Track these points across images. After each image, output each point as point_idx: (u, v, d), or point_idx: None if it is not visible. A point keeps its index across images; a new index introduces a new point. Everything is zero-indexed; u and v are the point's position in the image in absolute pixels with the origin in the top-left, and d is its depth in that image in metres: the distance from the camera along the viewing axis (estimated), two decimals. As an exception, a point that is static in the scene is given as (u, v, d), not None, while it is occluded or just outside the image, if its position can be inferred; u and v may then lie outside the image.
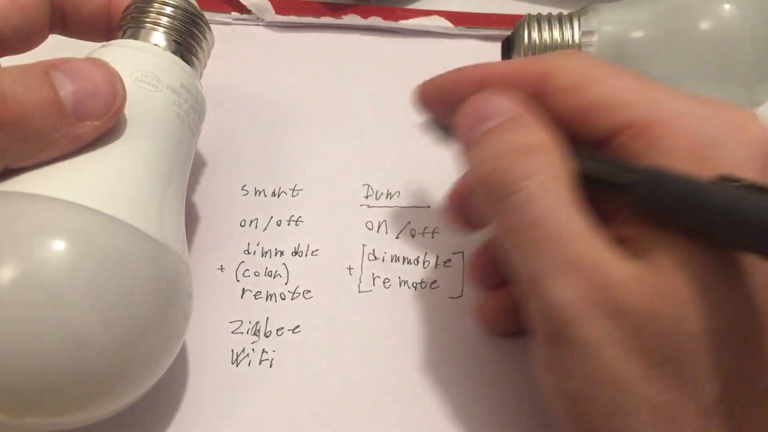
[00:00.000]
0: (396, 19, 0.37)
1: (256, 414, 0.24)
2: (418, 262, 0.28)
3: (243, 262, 0.28)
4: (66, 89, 0.20)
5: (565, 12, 0.33)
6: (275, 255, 0.28)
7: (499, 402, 0.24)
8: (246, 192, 0.30)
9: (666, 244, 0.17)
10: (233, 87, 0.34)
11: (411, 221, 0.29)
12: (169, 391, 0.24)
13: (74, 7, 0.26)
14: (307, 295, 0.27)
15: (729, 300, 0.16)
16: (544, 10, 0.34)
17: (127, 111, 0.21)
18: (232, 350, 0.26)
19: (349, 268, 0.28)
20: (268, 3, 0.37)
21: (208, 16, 0.35)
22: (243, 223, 0.29)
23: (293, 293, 0.27)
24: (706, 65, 0.31)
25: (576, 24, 0.32)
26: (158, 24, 0.25)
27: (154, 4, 0.25)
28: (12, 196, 0.19)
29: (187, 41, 0.25)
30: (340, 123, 0.33)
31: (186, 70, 0.25)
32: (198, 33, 0.26)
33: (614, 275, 0.17)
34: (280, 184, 0.31)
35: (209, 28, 0.26)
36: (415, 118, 0.25)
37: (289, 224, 0.29)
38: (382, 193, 0.30)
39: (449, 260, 0.28)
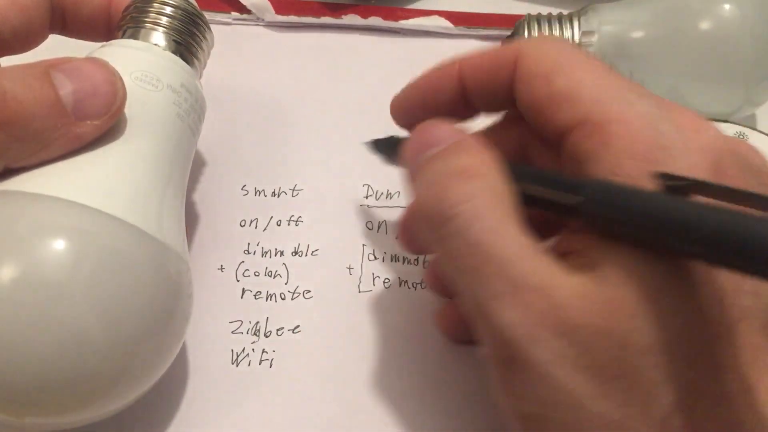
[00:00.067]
0: (396, 19, 0.37)
1: (256, 414, 0.24)
2: (418, 262, 0.28)
3: (243, 262, 0.28)
4: (66, 89, 0.20)
5: (565, 12, 0.33)
6: (275, 255, 0.28)
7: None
8: (246, 192, 0.30)
9: (613, 256, 0.17)
10: (233, 87, 0.34)
11: (411, 221, 0.29)
12: (169, 391, 0.24)
13: (74, 7, 0.26)
14: (307, 295, 0.27)
15: (679, 311, 0.16)
16: (544, 10, 0.34)
17: (127, 111, 0.21)
18: (232, 350, 0.26)
19: (349, 268, 0.28)
20: (268, 3, 0.37)
21: (208, 16, 0.35)
22: (243, 223, 0.29)
23: (293, 293, 0.27)
24: (706, 65, 0.31)
25: (576, 24, 0.32)
26: (158, 24, 0.25)
27: (154, 4, 0.25)
28: (12, 195, 0.19)
29: (187, 41, 0.25)
30: (340, 123, 0.33)
31: (186, 69, 0.25)
32: (198, 33, 0.26)
33: (560, 293, 0.16)
34: (280, 184, 0.31)
35: (209, 28, 0.26)
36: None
37: (289, 224, 0.29)
38: (382, 193, 0.30)
39: (449, 260, 0.28)
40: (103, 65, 0.21)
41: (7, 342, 0.18)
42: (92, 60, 0.21)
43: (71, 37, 0.27)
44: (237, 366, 0.25)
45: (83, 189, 0.20)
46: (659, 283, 0.16)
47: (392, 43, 0.37)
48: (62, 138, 0.20)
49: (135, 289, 0.19)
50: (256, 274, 0.28)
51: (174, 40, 0.25)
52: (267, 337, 0.26)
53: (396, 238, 0.28)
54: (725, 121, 0.31)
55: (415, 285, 0.27)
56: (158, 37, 0.25)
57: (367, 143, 0.26)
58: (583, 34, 0.32)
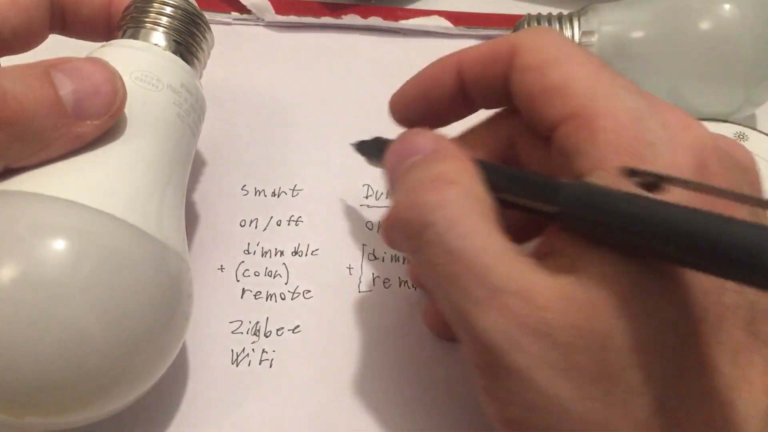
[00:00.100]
0: (396, 19, 0.37)
1: (256, 414, 0.24)
2: (418, 262, 0.28)
3: (243, 262, 0.28)
4: (66, 89, 0.20)
5: (565, 12, 0.33)
6: (275, 255, 0.28)
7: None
8: (246, 192, 0.30)
9: (594, 256, 0.17)
10: (233, 87, 0.34)
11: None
12: (169, 391, 0.24)
13: (74, 7, 0.26)
14: (307, 295, 0.27)
15: (657, 311, 0.16)
16: (544, 10, 0.34)
17: (127, 110, 0.21)
18: (232, 350, 0.26)
19: (349, 268, 0.28)
20: (268, 3, 0.37)
21: (208, 16, 0.35)
22: (243, 223, 0.29)
23: (293, 293, 0.27)
24: (706, 65, 0.31)
25: (576, 24, 0.32)
26: (158, 24, 0.25)
27: (154, 4, 0.25)
28: (12, 195, 0.19)
29: (187, 41, 0.25)
30: (340, 123, 0.33)
31: (186, 69, 0.25)
32: (198, 33, 0.26)
33: (540, 295, 0.16)
34: (280, 184, 0.31)
35: (209, 28, 0.26)
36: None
37: (289, 224, 0.29)
38: (382, 193, 0.30)
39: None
40: (103, 65, 0.21)
41: (7, 342, 0.18)
42: (92, 60, 0.21)
43: (71, 37, 0.27)
44: (237, 366, 0.25)
45: (83, 189, 0.20)
46: (640, 282, 0.16)
47: (392, 43, 0.37)
48: (62, 138, 0.20)
49: (135, 289, 0.19)
50: (256, 274, 0.28)
51: (174, 40, 0.25)
52: (267, 337, 0.26)
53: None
54: (725, 121, 0.31)
55: (415, 285, 0.27)
56: (158, 37, 0.25)
57: (352, 144, 0.27)
58: (583, 34, 0.32)
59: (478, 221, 0.17)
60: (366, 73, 0.35)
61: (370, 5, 0.38)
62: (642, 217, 0.15)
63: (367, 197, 0.30)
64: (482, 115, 0.24)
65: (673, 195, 0.17)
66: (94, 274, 0.18)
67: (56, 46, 0.26)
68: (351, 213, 0.30)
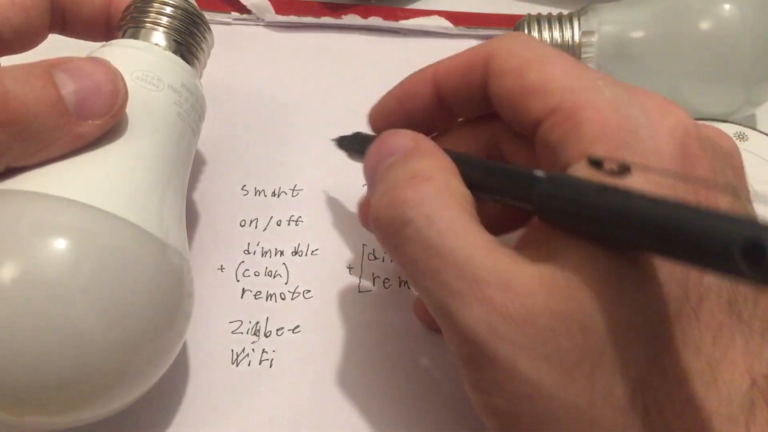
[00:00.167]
0: (396, 19, 0.37)
1: (256, 414, 0.24)
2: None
3: (243, 262, 0.28)
4: (68, 88, 0.20)
5: (565, 12, 0.33)
6: (275, 255, 0.28)
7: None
8: (246, 192, 0.30)
9: (573, 242, 0.17)
10: (233, 87, 0.34)
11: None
12: (169, 391, 0.24)
13: (74, 7, 0.26)
14: (307, 295, 0.27)
15: (637, 292, 0.16)
16: (544, 10, 0.34)
17: (128, 110, 0.21)
18: (232, 350, 0.26)
19: (349, 268, 0.28)
20: (268, 3, 0.37)
21: (208, 16, 0.35)
22: (243, 223, 0.29)
23: (293, 293, 0.27)
24: (706, 65, 0.31)
25: (576, 24, 0.32)
26: (158, 24, 0.25)
27: (154, 4, 0.25)
28: (14, 194, 0.19)
29: (188, 41, 0.25)
30: (340, 123, 0.33)
31: (186, 69, 0.25)
32: (198, 33, 0.26)
33: (519, 284, 0.16)
34: (280, 184, 0.31)
35: (209, 28, 0.26)
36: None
37: (289, 224, 0.29)
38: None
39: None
40: (104, 65, 0.21)
41: (7, 341, 0.18)
42: (94, 59, 0.21)
43: (71, 36, 0.27)
44: (237, 366, 0.25)
45: (84, 188, 0.20)
46: (619, 265, 0.16)
47: (392, 43, 0.37)
48: (64, 137, 0.20)
49: (136, 288, 0.19)
50: (256, 274, 0.28)
51: (174, 40, 0.25)
52: (267, 337, 0.26)
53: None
54: (725, 121, 0.31)
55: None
56: (159, 37, 0.25)
57: (333, 139, 0.27)
58: (583, 34, 0.32)
59: (456, 216, 0.18)
60: (366, 73, 0.35)
61: (370, 5, 0.38)
62: (607, 207, 0.16)
63: (367, 197, 0.30)
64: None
65: (652, 180, 0.17)
66: (94, 273, 0.18)
67: (56, 46, 0.26)
68: (351, 213, 0.30)
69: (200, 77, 0.27)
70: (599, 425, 0.16)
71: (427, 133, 0.22)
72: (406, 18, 0.37)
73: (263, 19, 0.37)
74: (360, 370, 0.25)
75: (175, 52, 0.25)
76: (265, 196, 0.30)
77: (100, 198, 0.19)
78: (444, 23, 0.37)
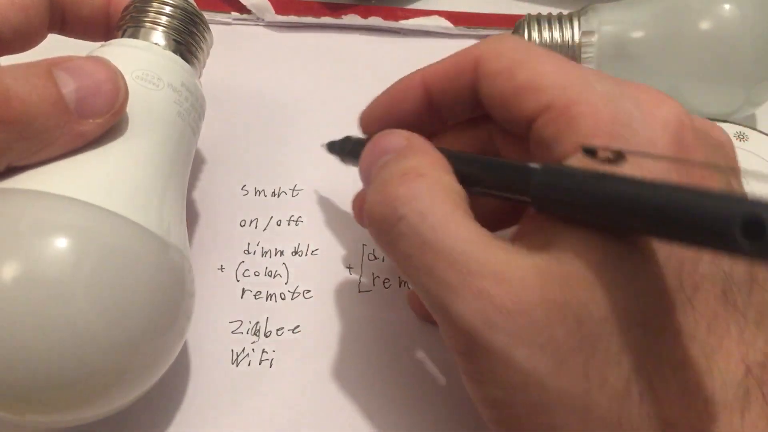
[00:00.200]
0: (396, 19, 0.37)
1: (256, 414, 0.24)
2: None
3: (243, 262, 0.28)
4: (69, 87, 0.20)
5: (565, 12, 0.33)
6: (275, 255, 0.28)
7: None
8: (246, 192, 0.30)
9: (568, 233, 0.17)
10: (233, 87, 0.34)
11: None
12: (169, 391, 0.24)
13: (74, 7, 0.26)
14: (307, 295, 0.27)
15: (632, 280, 0.16)
16: (544, 10, 0.34)
17: (128, 109, 0.21)
18: (232, 350, 0.26)
19: (349, 268, 0.28)
20: (268, 3, 0.37)
21: (208, 16, 0.35)
22: (243, 223, 0.29)
23: (293, 293, 0.27)
24: (706, 65, 0.31)
25: (576, 24, 0.32)
26: (158, 23, 0.25)
27: (154, 3, 0.25)
28: (15, 193, 0.19)
29: (187, 40, 0.25)
30: (340, 123, 0.33)
31: (186, 69, 0.25)
32: (197, 32, 0.26)
33: (513, 275, 0.17)
34: (280, 184, 0.31)
35: (208, 28, 0.26)
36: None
37: (289, 224, 0.29)
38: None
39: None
40: (105, 64, 0.21)
41: (8, 340, 0.18)
42: (94, 58, 0.21)
43: (70, 36, 0.27)
44: (237, 366, 0.25)
45: (85, 187, 0.20)
46: (613, 254, 0.16)
47: (392, 43, 0.37)
48: (65, 136, 0.20)
49: (137, 287, 0.19)
50: (256, 274, 0.28)
51: (174, 40, 0.25)
52: (267, 337, 0.26)
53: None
54: (725, 121, 0.31)
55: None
56: (158, 36, 0.25)
57: (323, 145, 0.27)
58: (583, 34, 0.32)
59: (449, 211, 0.18)
60: (366, 73, 0.35)
61: (370, 5, 0.38)
62: (604, 194, 0.16)
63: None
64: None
65: (647, 167, 0.17)
66: (96, 272, 0.18)
67: (55, 46, 0.26)
68: (351, 213, 0.30)
69: (200, 76, 0.27)
70: (594, 413, 0.16)
71: None
72: (406, 18, 0.37)
73: (263, 19, 0.37)
74: (360, 370, 0.25)
75: (174, 52, 0.25)
76: (265, 196, 0.30)
77: (101, 196, 0.19)
78: (444, 23, 0.37)
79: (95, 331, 0.18)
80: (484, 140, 0.23)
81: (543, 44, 0.32)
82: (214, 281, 0.27)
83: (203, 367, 0.25)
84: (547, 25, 0.32)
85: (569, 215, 0.17)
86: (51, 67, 0.20)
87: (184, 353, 0.25)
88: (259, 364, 0.25)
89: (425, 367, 0.25)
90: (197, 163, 0.31)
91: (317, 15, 0.37)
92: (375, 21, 0.37)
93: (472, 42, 0.36)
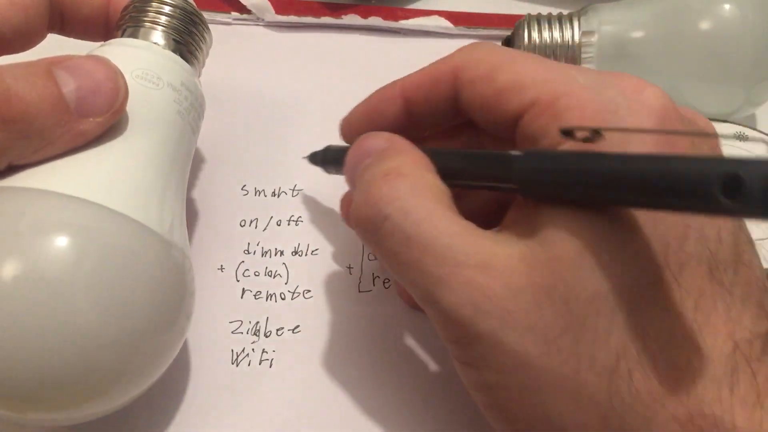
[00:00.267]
0: (396, 19, 0.37)
1: (256, 414, 0.24)
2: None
3: (243, 262, 0.28)
4: (69, 86, 0.20)
5: (565, 12, 0.33)
6: (275, 255, 0.28)
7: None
8: (246, 192, 0.30)
9: (550, 218, 0.17)
10: (233, 87, 0.34)
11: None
12: (169, 390, 0.24)
13: (73, 7, 0.26)
14: (307, 295, 0.27)
15: (617, 261, 0.17)
16: (544, 10, 0.34)
17: (128, 108, 0.21)
18: (232, 350, 0.26)
19: (349, 268, 0.28)
20: (268, 3, 0.37)
21: (208, 16, 0.35)
22: (243, 223, 0.29)
23: (293, 293, 0.27)
24: (706, 65, 0.31)
25: (576, 24, 0.32)
26: (157, 23, 0.25)
27: (153, 3, 0.25)
28: (15, 191, 0.19)
29: (186, 40, 0.25)
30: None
31: (185, 68, 0.25)
32: (197, 32, 0.26)
33: (500, 263, 0.17)
34: (280, 184, 0.31)
35: (207, 28, 0.26)
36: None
37: (289, 224, 0.29)
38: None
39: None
40: (105, 63, 0.21)
41: (9, 338, 0.18)
42: (94, 57, 0.21)
43: (70, 36, 0.27)
44: (237, 366, 0.25)
45: (86, 185, 0.20)
46: (598, 235, 0.17)
47: (392, 43, 0.37)
48: (65, 135, 0.20)
49: (138, 285, 0.19)
50: (256, 274, 0.28)
51: (173, 39, 0.25)
52: (267, 337, 0.26)
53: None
54: (725, 121, 0.31)
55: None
56: (158, 35, 0.25)
57: (305, 157, 0.28)
58: (583, 34, 0.32)
59: (432, 206, 0.19)
60: (366, 73, 0.35)
61: (370, 5, 0.38)
62: (584, 170, 0.16)
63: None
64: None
65: (632, 141, 0.18)
66: (96, 270, 0.18)
67: (54, 46, 0.26)
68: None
69: (199, 76, 0.27)
70: (584, 391, 0.16)
71: None
72: (406, 18, 0.37)
73: (263, 19, 0.37)
74: (360, 370, 0.25)
75: (174, 51, 0.25)
76: (265, 196, 0.30)
77: (102, 195, 0.19)
78: (444, 23, 0.37)
79: (96, 330, 0.18)
80: (466, 147, 0.24)
81: (543, 44, 0.32)
82: (214, 281, 0.27)
83: (203, 367, 0.25)
84: (547, 25, 0.32)
85: (554, 196, 0.18)
86: (51, 66, 0.20)
87: (184, 353, 0.25)
88: (259, 364, 0.25)
89: (426, 367, 0.25)
90: (197, 163, 0.31)
91: (317, 15, 0.37)
92: (375, 21, 0.37)
93: (472, 42, 0.37)
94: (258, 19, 0.37)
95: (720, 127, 0.31)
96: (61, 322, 0.18)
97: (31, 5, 0.24)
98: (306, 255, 0.28)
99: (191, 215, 0.29)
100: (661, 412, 0.16)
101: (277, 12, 0.37)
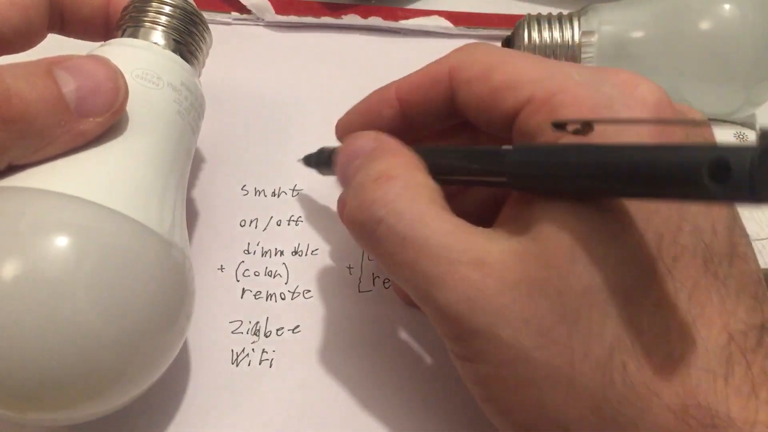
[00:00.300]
0: (396, 19, 0.37)
1: (256, 414, 0.24)
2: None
3: (243, 262, 0.28)
4: (69, 86, 0.20)
5: (565, 12, 0.33)
6: (275, 255, 0.28)
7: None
8: (246, 192, 0.30)
9: (544, 213, 0.18)
10: (233, 87, 0.34)
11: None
12: (169, 390, 0.24)
13: (73, 7, 0.26)
14: (307, 295, 0.27)
15: (610, 253, 0.17)
16: (544, 10, 0.34)
17: (128, 108, 0.21)
18: (232, 350, 0.26)
19: (349, 268, 0.28)
20: (268, 3, 0.37)
21: (208, 16, 0.35)
22: (243, 223, 0.29)
23: (293, 293, 0.27)
24: (706, 65, 0.31)
25: (576, 24, 0.32)
26: (157, 23, 0.25)
27: (153, 3, 0.25)
28: (16, 191, 0.19)
29: (186, 40, 0.25)
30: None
31: (185, 68, 0.25)
32: (196, 32, 0.26)
33: (494, 259, 0.17)
34: (280, 184, 0.31)
35: (207, 27, 0.26)
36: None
37: (289, 224, 0.29)
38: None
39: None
40: (105, 62, 0.21)
41: (9, 338, 0.18)
42: (94, 57, 0.21)
43: (70, 36, 0.27)
44: (237, 366, 0.25)
45: (86, 185, 0.19)
46: (590, 228, 0.17)
47: (392, 43, 0.37)
48: (65, 135, 0.20)
49: (138, 285, 0.19)
50: (256, 274, 0.28)
51: (173, 39, 0.25)
52: (267, 337, 0.26)
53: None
54: (725, 121, 0.31)
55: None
56: (158, 35, 0.25)
57: (300, 160, 0.28)
58: (583, 34, 0.32)
59: (424, 207, 0.19)
60: (366, 73, 0.35)
61: (370, 5, 0.38)
62: (574, 161, 0.17)
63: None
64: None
65: (625, 133, 0.18)
66: (96, 270, 0.18)
67: (54, 46, 0.26)
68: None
69: (199, 76, 0.27)
70: (578, 383, 0.17)
71: None
72: (406, 18, 0.37)
73: (263, 19, 0.37)
74: (360, 370, 0.25)
75: (174, 51, 0.25)
76: (265, 196, 0.30)
77: (102, 195, 0.19)
78: (444, 23, 0.37)
79: (96, 330, 0.18)
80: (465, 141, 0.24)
81: (543, 44, 0.32)
82: (214, 281, 0.27)
83: (203, 367, 0.25)
84: (547, 25, 0.32)
85: (545, 188, 0.18)
86: (51, 66, 0.20)
87: (184, 353, 0.25)
88: (259, 364, 0.25)
89: (425, 367, 0.25)
90: (197, 163, 0.31)
91: (317, 15, 0.37)
92: (375, 21, 0.37)
93: (472, 42, 0.37)
94: (258, 19, 0.37)
95: (720, 127, 0.31)
96: (61, 322, 0.18)
97: (31, 5, 0.24)
98: (306, 255, 0.28)
99: (191, 215, 0.29)
100: (655, 402, 0.16)
101: (277, 12, 0.37)
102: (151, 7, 0.25)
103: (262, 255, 0.28)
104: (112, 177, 0.20)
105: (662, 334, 0.17)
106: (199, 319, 0.25)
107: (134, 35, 0.25)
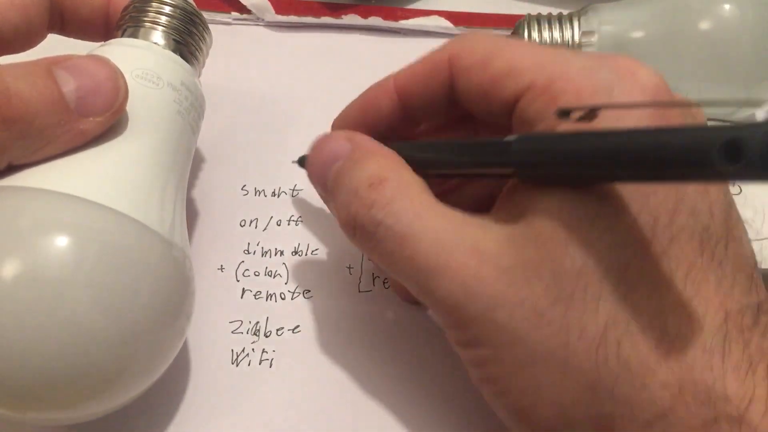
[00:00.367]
0: (396, 19, 0.37)
1: (256, 414, 0.24)
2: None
3: (243, 262, 0.28)
4: (69, 86, 0.20)
5: (565, 12, 0.33)
6: (275, 255, 0.28)
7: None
8: (246, 192, 0.30)
9: (537, 201, 0.18)
10: (233, 87, 0.34)
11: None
12: (169, 390, 0.24)
13: (73, 7, 0.26)
14: (307, 295, 0.27)
15: (604, 234, 0.17)
16: (544, 10, 0.34)
17: (128, 108, 0.22)
18: (232, 350, 0.26)
19: (349, 268, 0.28)
20: (268, 3, 0.37)
21: (208, 16, 0.35)
22: (243, 223, 0.29)
23: (293, 293, 0.27)
24: (706, 65, 0.31)
25: (576, 24, 0.32)
26: (157, 23, 0.25)
27: (153, 3, 0.25)
28: (16, 191, 0.19)
29: (186, 40, 0.25)
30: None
31: (185, 68, 0.25)
32: (196, 32, 0.26)
33: (489, 246, 0.18)
34: (280, 184, 0.31)
35: (207, 27, 0.26)
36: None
37: (289, 224, 0.29)
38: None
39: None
40: (105, 62, 0.21)
41: (9, 337, 0.18)
42: (94, 57, 0.21)
43: (70, 36, 0.27)
44: (237, 366, 0.25)
45: (86, 184, 0.20)
46: (585, 211, 0.17)
47: (392, 43, 0.37)
48: (65, 135, 0.20)
49: (138, 284, 0.19)
50: (256, 274, 0.28)
51: (173, 39, 0.25)
52: (267, 337, 0.26)
53: None
54: (725, 121, 0.31)
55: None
56: (158, 35, 0.25)
57: (294, 162, 0.28)
58: (583, 34, 0.32)
59: (418, 203, 0.19)
60: (366, 73, 0.35)
61: (370, 5, 0.38)
62: (580, 147, 0.17)
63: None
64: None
65: (628, 117, 0.18)
66: (97, 270, 0.18)
67: (54, 46, 0.26)
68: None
69: (199, 76, 0.27)
70: (572, 362, 0.17)
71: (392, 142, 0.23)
72: (406, 18, 0.37)
73: (263, 19, 0.37)
74: (360, 370, 0.25)
75: (174, 51, 0.25)
76: (265, 196, 0.30)
77: (102, 194, 0.19)
78: (444, 23, 0.37)
79: (96, 329, 0.18)
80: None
81: (543, 44, 0.32)
82: (214, 281, 0.27)
83: (203, 367, 0.25)
84: (547, 25, 0.32)
85: (553, 176, 0.18)
86: (51, 65, 0.20)
87: (184, 353, 0.25)
88: (259, 364, 0.25)
89: (426, 366, 0.25)
90: (197, 163, 0.31)
91: (317, 15, 0.37)
92: (375, 21, 0.37)
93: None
94: (258, 19, 0.37)
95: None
96: (60, 322, 0.18)
97: (31, 5, 0.24)
98: (306, 255, 0.28)
99: (191, 215, 0.29)
100: (650, 380, 0.16)
101: (277, 12, 0.37)
102: (151, 7, 0.25)
103: (262, 255, 0.28)
104: (112, 176, 0.20)
105: (658, 314, 0.17)
106: (199, 319, 0.25)
107: (134, 35, 0.25)
